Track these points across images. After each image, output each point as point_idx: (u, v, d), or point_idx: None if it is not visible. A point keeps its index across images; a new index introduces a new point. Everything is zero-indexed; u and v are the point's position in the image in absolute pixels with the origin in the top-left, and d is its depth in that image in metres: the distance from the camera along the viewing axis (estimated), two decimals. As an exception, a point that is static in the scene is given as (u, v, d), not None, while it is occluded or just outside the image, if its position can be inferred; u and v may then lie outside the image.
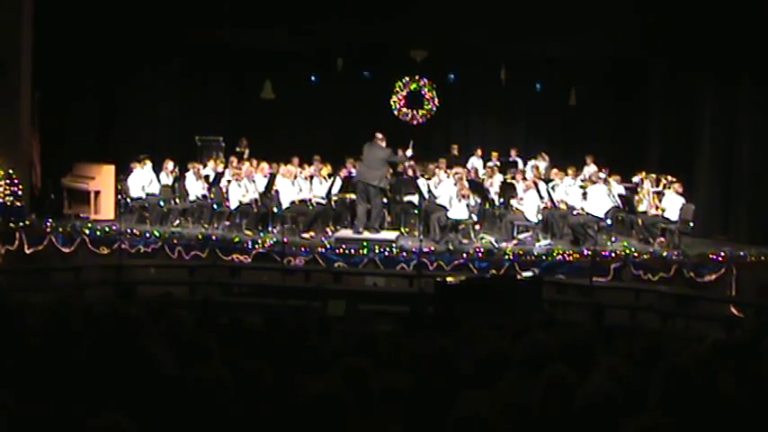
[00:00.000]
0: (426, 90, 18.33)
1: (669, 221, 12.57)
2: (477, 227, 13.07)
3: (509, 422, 3.03)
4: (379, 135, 12.92)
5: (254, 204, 13.03)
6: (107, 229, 12.48)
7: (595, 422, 3.13)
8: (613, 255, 11.90)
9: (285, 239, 11.90)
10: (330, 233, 12.95)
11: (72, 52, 13.58)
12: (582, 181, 14.07)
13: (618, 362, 3.81)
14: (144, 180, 13.69)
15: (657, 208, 12.95)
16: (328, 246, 12.08)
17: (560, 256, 11.88)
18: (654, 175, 13.96)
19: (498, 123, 18.48)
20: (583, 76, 16.72)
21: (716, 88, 14.15)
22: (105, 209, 13.40)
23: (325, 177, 13.91)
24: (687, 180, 13.52)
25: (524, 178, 13.83)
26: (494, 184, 14.35)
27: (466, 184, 12.88)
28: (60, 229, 12.31)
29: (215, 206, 13.32)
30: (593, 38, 14.94)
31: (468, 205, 12.58)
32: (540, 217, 12.77)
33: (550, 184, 13.82)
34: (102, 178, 13.44)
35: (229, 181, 13.40)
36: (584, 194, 13.22)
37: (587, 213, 12.75)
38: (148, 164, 13.88)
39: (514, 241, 12.58)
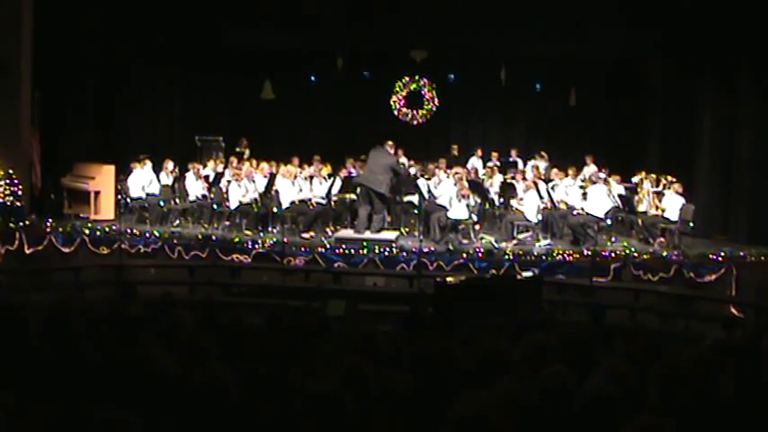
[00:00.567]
0: (426, 90, 18.33)
1: (669, 222, 12.57)
2: (477, 227, 13.07)
3: (509, 422, 3.03)
4: (390, 143, 12.95)
5: (254, 204, 13.03)
6: (107, 229, 12.48)
7: (595, 422, 3.14)
8: (613, 255, 11.91)
9: (285, 239, 11.90)
10: (330, 233, 12.95)
11: (72, 52, 13.58)
12: (582, 181, 14.07)
13: (617, 362, 3.81)
14: (144, 180, 13.69)
15: (657, 208, 12.95)
16: (328, 246, 12.08)
17: (560, 257, 11.88)
18: (654, 176, 13.95)
19: (498, 123, 18.47)
20: (583, 76, 16.71)
21: (716, 88, 14.14)
22: (105, 209, 13.40)
23: (324, 177, 13.91)
24: (687, 180, 13.51)
25: (524, 178, 13.84)
26: (494, 184, 14.35)
27: (466, 184, 12.88)
28: (60, 229, 12.31)
29: (215, 206, 13.33)
30: (592, 38, 14.95)
31: (468, 205, 12.58)
32: (540, 217, 12.77)
33: (550, 185, 13.81)
34: (102, 178, 13.44)
35: (229, 181, 13.40)
36: (584, 194, 13.22)
37: (587, 213, 12.75)
38: (148, 164, 13.88)
39: (514, 241, 12.58)
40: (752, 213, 13.45)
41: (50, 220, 12.53)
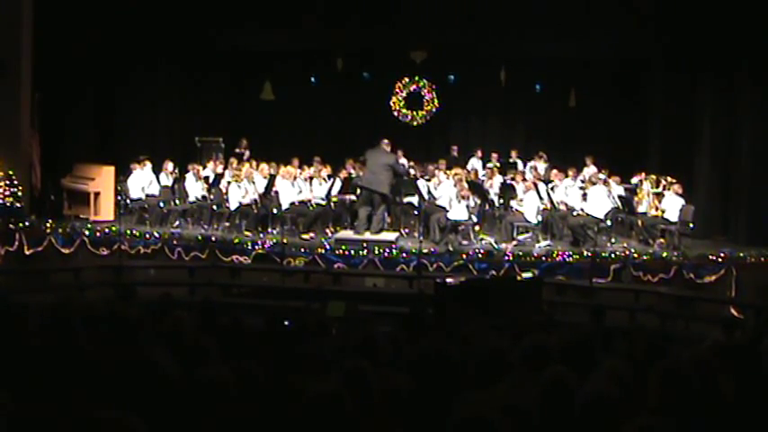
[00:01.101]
0: (426, 91, 18.32)
1: (669, 222, 12.57)
2: (477, 228, 13.06)
3: (509, 423, 3.03)
4: (386, 141, 12.95)
5: (253, 205, 13.03)
6: (107, 230, 12.48)
7: (595, 423, 3.14)
8: (613, 256, 11.91)
9: (285, 240, 11.91)
10: (330, 234, 12.95)
11: (71, 53, 13.58)
12: (582, 182, 14.06)
13: (618, 363, 3.82)
14: (144, 181, 13.69)
15: (657, 209, 12.94)
16: (328, 247, 12.08)
17: (560, 257, 11.88)
18: (653, 176, 13.94)
19: (498, 124, 18.46)
20: (582, 76, 16.70)
21: (716, 88, 14.14)
22: (105, 210, 13.39)
23: (324, 178, 13.91)
24: (687, 181, 13.50)
25: (524, 179, 13.83)
26: (493, 185, 14.34)
27: (466, 185, 12.88)
28: (60, 230, 12.31)
29: (215, 207, 13.32)
30: (592, 38, 14.95)
31: (467, 206, 12.57)
32: (540, 218, 12.77)
33: (550, 185, 13.82)
34: (102, 179, 13.43)
35: (229, 182, 13.40)
36: (584, 195, 13.22)
37: (587, 214, 12.75)
38: (148, 165, 13.88)
39: (514, 242, 12.58)
40: (751, 214, 13.44)
41: (50, 220, 12.52)
